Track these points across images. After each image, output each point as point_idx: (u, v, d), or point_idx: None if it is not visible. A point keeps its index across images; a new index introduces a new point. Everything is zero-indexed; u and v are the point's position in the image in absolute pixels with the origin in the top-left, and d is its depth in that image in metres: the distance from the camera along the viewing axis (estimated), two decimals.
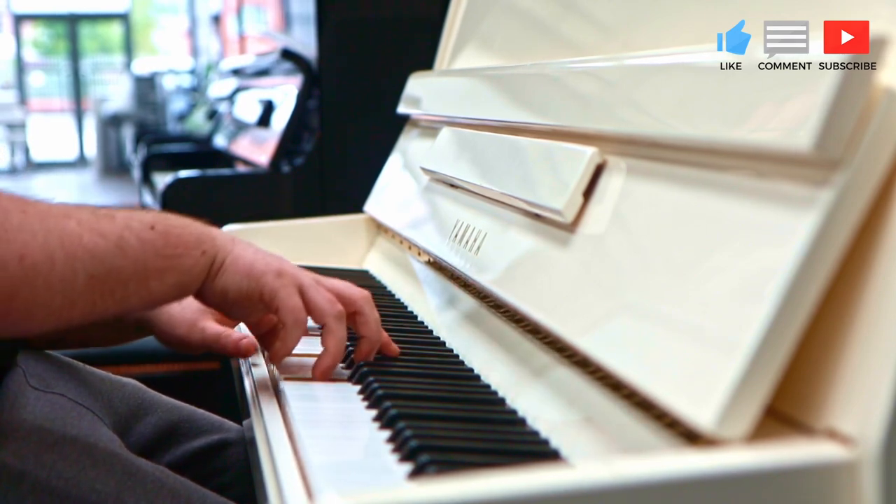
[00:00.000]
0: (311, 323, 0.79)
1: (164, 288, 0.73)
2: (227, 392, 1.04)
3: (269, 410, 0.74)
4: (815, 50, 0.52)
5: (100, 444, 0.81)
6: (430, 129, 1.26)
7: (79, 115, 11.13)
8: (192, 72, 7.84)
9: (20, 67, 11.44)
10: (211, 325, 0.90)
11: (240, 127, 2.69)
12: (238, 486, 0.96)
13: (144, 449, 0.94)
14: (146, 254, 0.71)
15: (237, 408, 0.90)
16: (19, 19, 11.49)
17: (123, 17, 11.50)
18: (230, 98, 3.15)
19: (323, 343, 0.79)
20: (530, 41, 1.13)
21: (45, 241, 0.65)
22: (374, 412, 0.71)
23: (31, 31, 12.35)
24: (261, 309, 0.79)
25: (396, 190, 1.31)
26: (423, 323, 1.01)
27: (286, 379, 0.80)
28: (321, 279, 0.81)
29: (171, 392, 1.04)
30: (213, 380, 1.46)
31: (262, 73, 2.78)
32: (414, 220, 1.17)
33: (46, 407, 0.82)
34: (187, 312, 0.91)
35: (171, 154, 3.19)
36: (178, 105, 6.74)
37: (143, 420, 0.97)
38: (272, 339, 0.85)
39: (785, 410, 0.53)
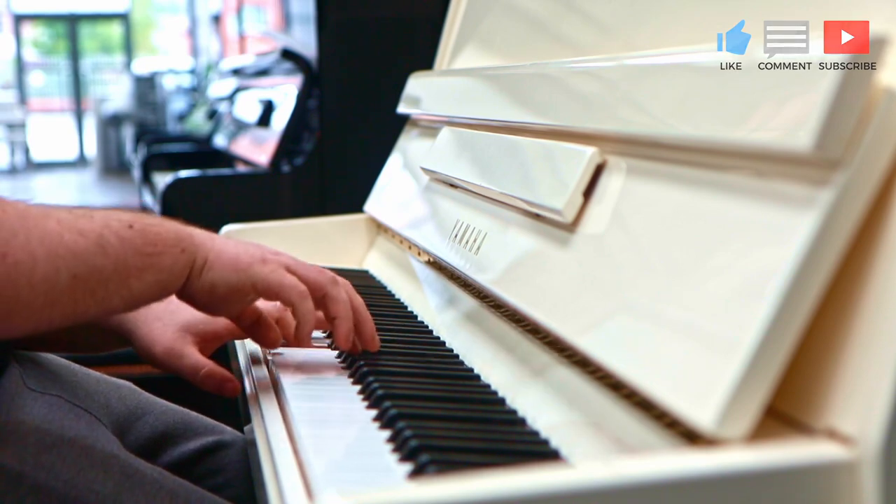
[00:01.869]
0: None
1: (144, 287, 0.71)
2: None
3: (270, 410, 0.74)
4: (815, 50, 0.52)
5: (98, 446, 0.81)
6: (430, 129, 1.26)
7: (79, 114, 11.13)
8: (192, 72, 7.85)
9: (20, 67, 11.45)
10: (189, 354, 0.86)
11: (240, 127, 2.69)
12: (234, 487, 0.96)
13: (141, 450, 0.94)
14: (126, 252, 0.69)
15: (234, 412, 0.90)
16: (19, 19, 11.49)
17: (123, 17, 11.50)
18: (230, 98, 3.15)
19: (328, 313, 0.81)
20: (530, 41, 1.13)
21: (27, 240, 0.64)
22: (374, 412, 0.71)
23: (31, 31, 12.35)
24: (249, 300, 0.80)
25: (396, 190, 1.31)
26: (423, 323, 1.01)
27: (282, 369, 0.80)
28: (294, 259, 0.81)
29: (169, 394, 1.04)
30: None
31: (262, 73, 2.78)
32: (414, 219, 1.17)
33: (44, 408, 0.82)
34: (168, 332, 0.87)
35: (171, 154, 3.19)
36: (178, 105, 6.74)
37: (140, 420, 0.97)
38: (260, 330, 0.86)
39: (785, 410, 0.53)
